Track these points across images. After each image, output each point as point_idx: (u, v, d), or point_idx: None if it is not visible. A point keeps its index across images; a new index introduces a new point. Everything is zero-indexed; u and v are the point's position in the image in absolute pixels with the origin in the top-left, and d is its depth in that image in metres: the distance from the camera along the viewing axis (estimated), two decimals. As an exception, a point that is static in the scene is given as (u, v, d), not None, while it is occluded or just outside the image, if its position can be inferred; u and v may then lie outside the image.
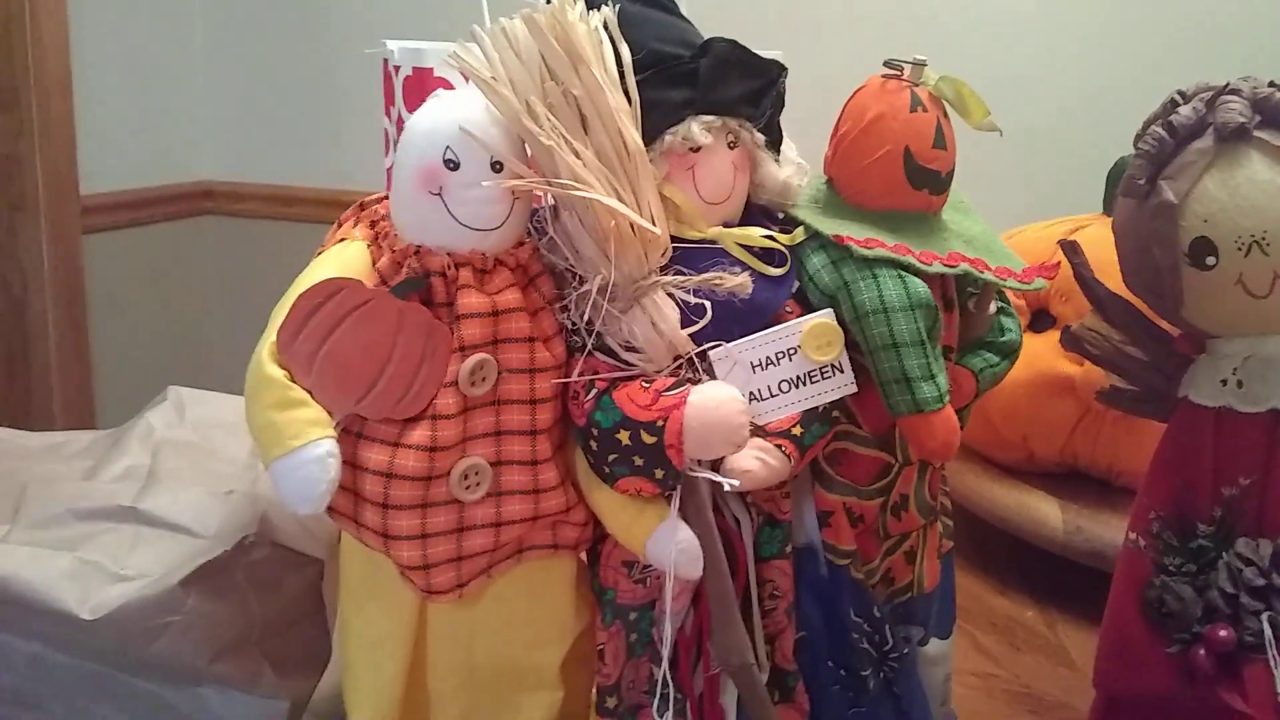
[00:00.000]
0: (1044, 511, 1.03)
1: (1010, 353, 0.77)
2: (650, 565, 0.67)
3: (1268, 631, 0.67)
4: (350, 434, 0.62)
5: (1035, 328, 1.07)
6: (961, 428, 0.77)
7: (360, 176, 1.67)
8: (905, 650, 0.75)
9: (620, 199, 0.62)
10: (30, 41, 1.59)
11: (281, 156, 1.93)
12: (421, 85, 1.04)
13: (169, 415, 0.80)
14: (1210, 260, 0.65)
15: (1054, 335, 1.01)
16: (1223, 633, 0.67)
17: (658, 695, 0.68)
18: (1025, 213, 1.21)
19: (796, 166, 0.72)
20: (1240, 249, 0.64)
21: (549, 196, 0.64)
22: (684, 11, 1.07)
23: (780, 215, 0.72)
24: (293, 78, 1.88)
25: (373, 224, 0.66)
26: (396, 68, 1.07)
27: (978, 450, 1.14)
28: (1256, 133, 0.65)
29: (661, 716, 0.68)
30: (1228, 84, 0.67)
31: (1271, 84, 0.67)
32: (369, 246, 0.65)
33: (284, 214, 1.93)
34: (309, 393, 0.59)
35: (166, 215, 1.93)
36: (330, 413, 0.60)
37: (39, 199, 1.64)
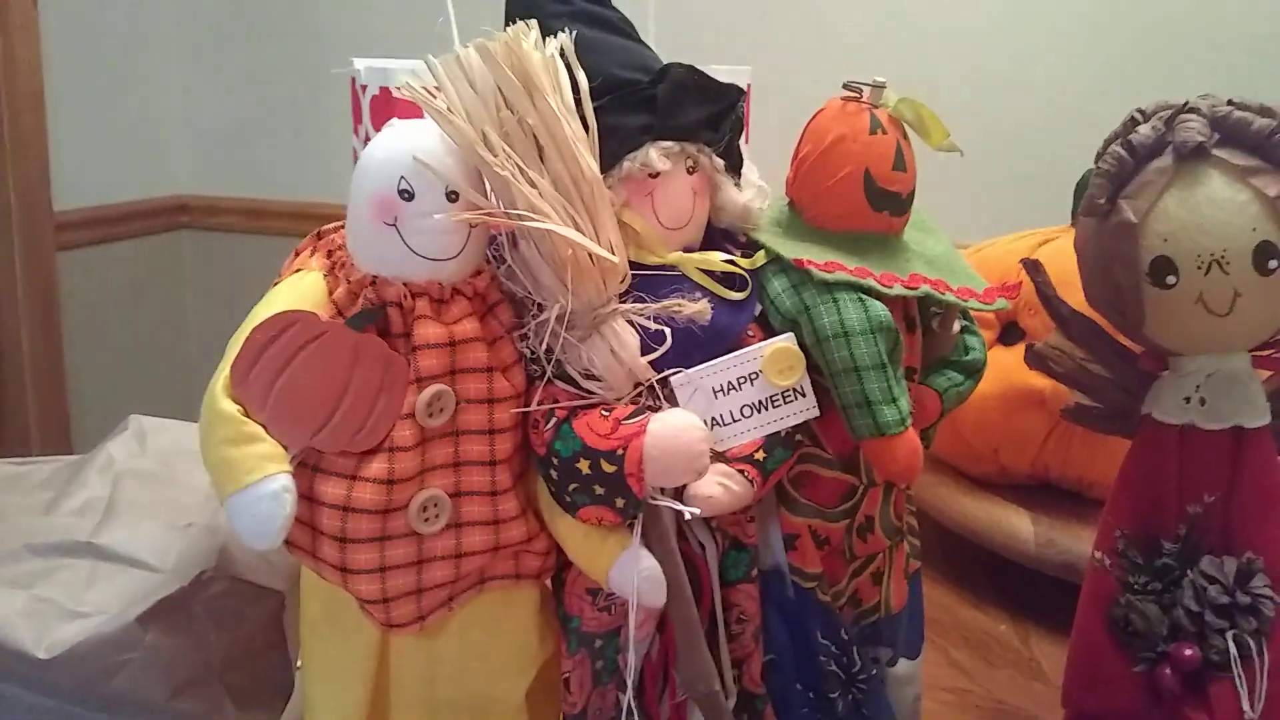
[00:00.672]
0: (1016, 524, 1.03)
1: (975, 371, 0.76)
2: (614, 593, 0.67)
3: (1233, 650, 0.67)
4: (306, 467, 0.62)
5: (1005, 340, 1.07)
6: (927, 447, 0.77)
7: (337, 190, 1.65)
8: (874, 671, 0.75)
9: (578, 228, 0.62)
10: (1, 56, 1.58)
11: (257, 170, 1.92)
12: (388, 105, 1.04)
13: (130, 445, 0.79)
14: (1171, 279, 0.66)
15: (1024, 348, 1.01)
16: (1188, 651, 0.68)
17: (624, 723, 0.68)
18: (994, 223, 1.21)
19: (757, 189, 0.71)
20: (1200, 268, 0.65)
21: (506, 225, 0.63)
22: (652, 29, 1.07)
23: (742, 238, 0.72)
24: (268, 91, 1.87)
25: (329, 254, 0.65)
26: (364, 87, 1.07)
27: (949, 463, 1.14)
28: (1215, 151, 0.65)
29: (629, 744, 0.68)
30: (1186, 102, 0.67)
31: (1230, 102, 0.67)
32: (325, 277, 0.64)
33: (261, 228, 1.92)
34: (264, 427, 0.59)
35: (142, 230, 1.92)
36: (285, 447, 0.59)
37: (11, 215, 1.63)
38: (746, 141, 1.10)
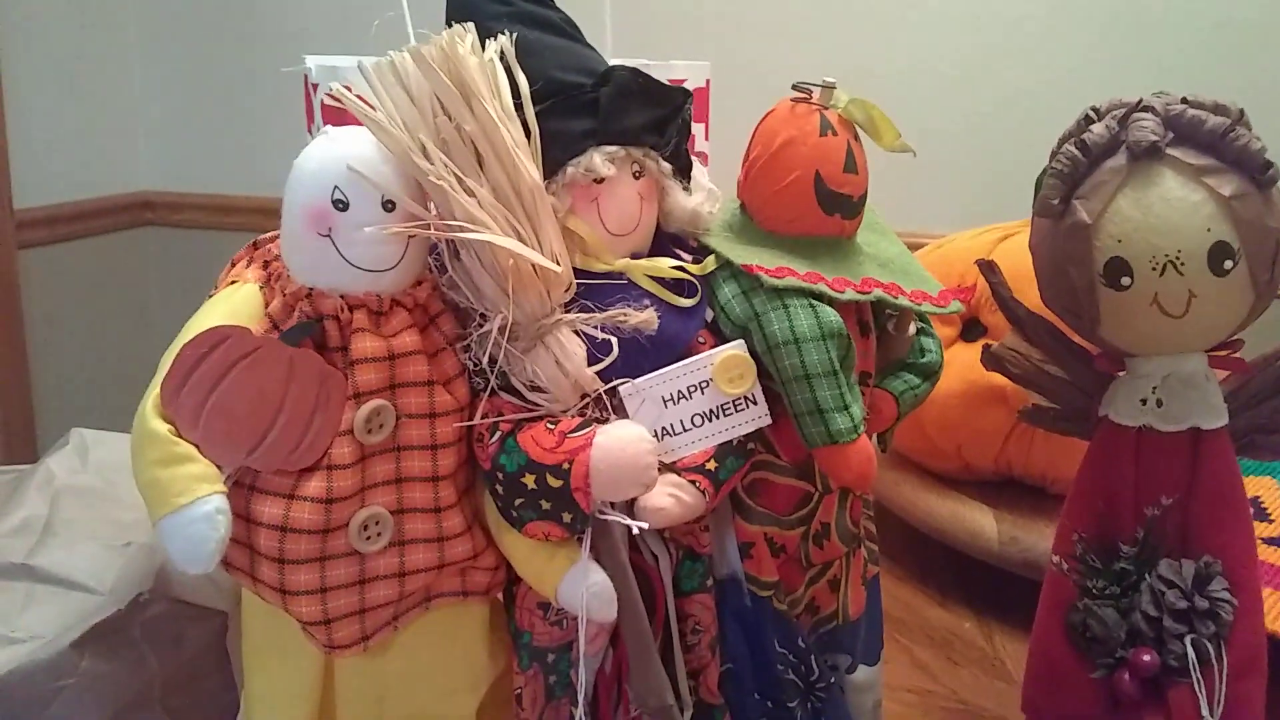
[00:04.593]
0: (979, 522, 1.02)
1: (931, 374, 0.76)
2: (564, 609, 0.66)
3: (1191, 654, 0.66)
4: (243, 486, 0.60)
5: (966, 337, 1.06)
6: (884, 450, 0.76)
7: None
8: (832, 679, 0.74)
9: (520, 237, 0.60)
10: (-44, 52, 1.55)
11: (221, 166, 1.90)
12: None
13: (70, 460, 0.77)
14: (1125, 280, 0.65)
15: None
16: (1146, 657, 0.67)
17: (577, 738, 0.67)
18: (959, 215, 1.20)
19: (707, 193, 0.70)
20: (1155, 269, 0.64)
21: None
22: (609, 23, 1.05)
23: (693, 242, 0.71)
24: (230, 86, 1.85)
25: (265, 264, 0.64)
26: (315, 85, 1.05)
27: (913, 460, 1.13)
28: (1169, 150, 0.64)
29: (582, 759, 0.67)
30: (1140, 100, 0.66)
31: (1184, 100, 0.66)
32: (261, 288, 0.62)
33: (225, 224, 1.90)
34: (196, 446, 0.57)
35: (105, 228, 1.89)
36: (220, 466, 0.58)
37: (-30, 214, 1.60)
38: (707, 137, 1.09)
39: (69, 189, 1.79)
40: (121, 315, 1.92)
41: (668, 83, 0.66)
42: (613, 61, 0.98)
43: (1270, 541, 0.97)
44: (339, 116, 0.64)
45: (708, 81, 1.06)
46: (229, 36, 1.83)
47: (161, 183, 1.94)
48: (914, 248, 1.14)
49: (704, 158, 1.05)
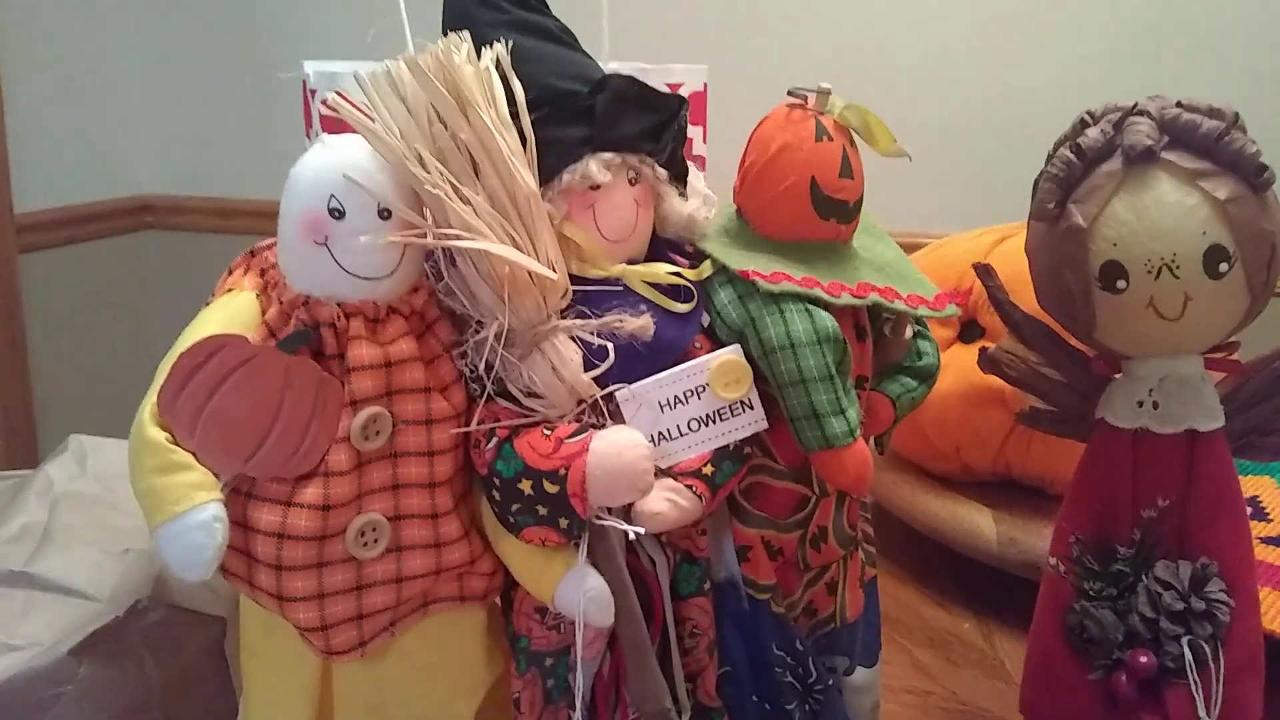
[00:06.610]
0: (977, 523, 1.02)
1: (928, 377, 0.76)
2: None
3: (1188, 655, 0.66)
4: (240, 494, 0.60)
5: (965, 338, 1.06)
6: (881, 453, 0.76)
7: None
8: (830, 681, 0.74)
9: (515, 245, 0.60)
10: (-44, 57, 1.56)
11: (221, 168, 1.90)
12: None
13: (69, 467, 0.77)
14: (1121, 284, 0.65)
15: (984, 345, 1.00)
16: (1143, 658, 0.67)
17: (575, 743, 0.67)
18: (959, 214, 1.20)
19: (703, 198, 0.70)
20: (1150, 272, 0.64)
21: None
22: (606, 27, 1.05)
23: (689, 248, 0.71)
24: (230, 88, 1.85)
25: (262, 272, 0.64)
26: (313, 91, 1.05)
27: (912, 461, 1.13)
28: (1164, 154, 0.64)
29: (580, 764, 0.67)
30: (1135, 104, 0.67)
31: (1179, 104, 0.66)
32: (258, 296, 0.63)
33: (225, 227, 1.90)
34: (194, 454, 0.57)
35: (105, 231, 1.89)
36: (217, 474, 0.58)
37: (-30, 219, 1.61)
38: (705, 140, 1.09)
39: (69, 192, 1.80)
40: (122, 318, 1.92)
41: (665, 87, 0.66)
42: (611, 65, 0.99)
43: (1269, 541, 0.97)
44: (337, 124, 0.64)
45: (705, 85, 1.07)
46: (229, 38, 1.83)
47: (161, 186, 1.94)
48: (911, 247, 1.14)
49: (702, 161, 1.05)
